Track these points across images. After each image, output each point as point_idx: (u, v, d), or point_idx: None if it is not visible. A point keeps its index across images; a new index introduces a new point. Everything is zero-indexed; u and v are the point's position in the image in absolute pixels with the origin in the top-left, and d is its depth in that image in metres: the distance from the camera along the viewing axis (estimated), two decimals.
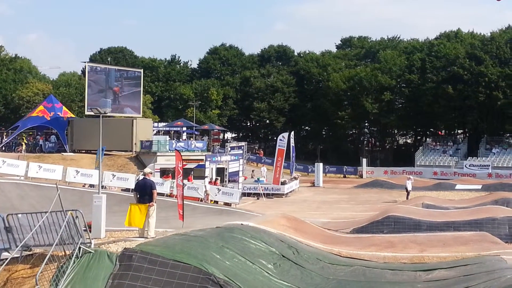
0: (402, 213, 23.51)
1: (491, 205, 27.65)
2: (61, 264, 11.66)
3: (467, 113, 66.48)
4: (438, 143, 68.16)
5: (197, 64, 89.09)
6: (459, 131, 76.81)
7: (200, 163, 41.82)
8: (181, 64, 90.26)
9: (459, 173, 57.50)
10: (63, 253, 12.17)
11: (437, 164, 61.76)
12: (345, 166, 64.12)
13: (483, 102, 64.17)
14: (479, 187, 45.49)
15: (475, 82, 64.01)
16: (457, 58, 66.41)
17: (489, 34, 70.97)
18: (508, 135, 67.11)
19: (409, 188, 39.21)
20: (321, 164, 54.51)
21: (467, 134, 73.53)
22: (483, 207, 26.50)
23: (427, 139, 74.62)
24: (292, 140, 52.70)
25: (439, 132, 76.53)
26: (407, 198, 38.15)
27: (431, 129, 77.04)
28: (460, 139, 70.82)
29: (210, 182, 37.07)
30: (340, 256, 16.13)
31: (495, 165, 58.14)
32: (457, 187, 46.62)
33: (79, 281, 11.34)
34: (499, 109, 64.65)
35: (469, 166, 58.84)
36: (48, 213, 12.20)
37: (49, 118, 51.82)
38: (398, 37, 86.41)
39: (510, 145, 63.06)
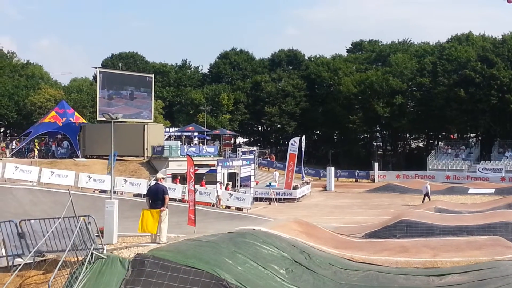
0: (415, 218, 23.37)
1: (504, 209, 27.43)
2: (73, 270, 11.68)
3: (479, 117, 66.13)
4: (450, 147, 67.86)
5: (208, 69, 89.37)
6: (471, 134, 76.41)
7: (212, 168, 41.85)
8: (192, 69, 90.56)
9: (472, 177, 57.13)
10: (76, 259, 12.20)
11: (449, 168, 61.53)
12: (357, 171, 63.99)
13: (496, 105, 63.83)
14: (492, 191, 45.26)
15: (487, 85, 63.67)
16: (468, 61, 66.11)
17: (500, 37, 70.66)
18: None
19: (426, 191, 39.40)
20: (332, 169, 54.43)
21: (480, 138, 73.18)
22: (497, 211, 26.31)
23: (439, 142, 74.33)
24: (303, 144, 52.58)
25: (451, 136, 76.11)
26: (423, 201, 38.19)
27: (443, 133, 76.68)
28: (473, 143, 70.52)
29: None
30: (353, 261, 16.06)
31: (508, 169, 57.83)
32: (470, 191, 46.38)
33: (91, 287, 11.36)
34: None
35: (482, 169, 58.50)
36: (60, 219, 12.24)
37: (61, 124, 52.03)
38: (409, 41, 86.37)
39: None
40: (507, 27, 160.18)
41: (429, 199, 38.60)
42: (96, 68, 62.26)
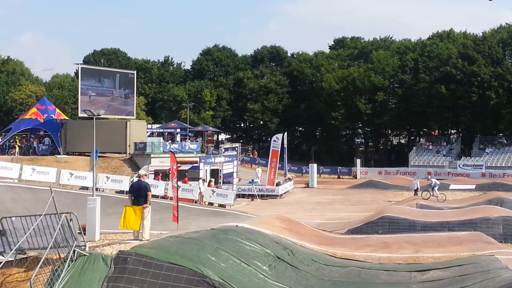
0: (397, 214, 23.54)
1: (485, 205, 27.72)
2: (55, 268, 11.61)
3: (460, 113, 66.70)
4: (431, 143, 68.33)
5: (190, 66, 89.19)
6: (452, 131, 77.01)
7: (194, 164, 41.75)
8: (174, 66, 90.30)
9: (452, 173, 57.63)
10: (58, 256, 12.13)
11: (430, 164, 61.93)
12: (339, 167, 64.18)
13: (476, 102, 64.37)
14: (473, 187, 45.64)
15: (468, 82, 64.18)
16: (449, 58, 66.60)
17: (481, 34, 71.23)
18: (501, 134, 67.32)
19: (416, 187, 39.88)
20: (315, 165, 54.56)
21: (460, 134, 73.76)
22: (477, 207, 26.57)
23: (421, 139, 74.84)
24: (285, 141, 52.67)
25: (433, 132, 76.73)
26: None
27: (424, 129, 77.28)
28: (454, 139, 71.02)
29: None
30: (335, 257, 16.13)
31: (488, 165, 58.33)
32: (451, 187, 46.70)
33: (74, 284, 11.30)
34: (492, 109, 64.88)
35: (463, 166, 58.99)
36: (42, 216, 12.15)
37: (42, 120, 51.65)
38: (391, 38, 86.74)
39: (503, 144, 63.25)
40: (488, 24, 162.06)
41: (415, 195, 38.90)
42: (77, 64, 61.91)
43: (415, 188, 40.30)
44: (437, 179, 38.14)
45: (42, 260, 11.43)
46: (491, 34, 69.40)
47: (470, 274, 13.19)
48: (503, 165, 58.21)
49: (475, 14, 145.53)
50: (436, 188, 36.23)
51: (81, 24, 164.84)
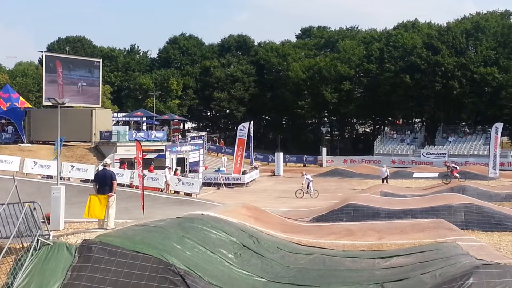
0: (361, 202, 23.76)
1: (447, 192, 28.16)
2: (18, 257, 11.49)
3: (424, 102, 67.69)
4: (396, 132, 69.16)
5: (157, 54, 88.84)
6: (416, 120, 77.99)
7: (160, 153, 41.60)
8: (141, 54, 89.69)
9: (416, 161, 58.37)
10: (21, 246, 12.00)
11: (395, 152, 62.63)
12: (305, 155, 64.55)
13: (440, 91, 65.27)
14: (436, 175, 46.28)
15: (432, 72, 65.00)
16: (414, 48, 67.33)
17: (445, 25, 72.11)
18: (463, 123, 68.52)
19: (386, 175, 40.29)
20: (281, 154, 54.81)
21: (424, 123, 74.73)
22: (440, 194, 26.96)
23: (385, 128, 75.66)
24: (251, 130, 52.76)
25: (397, 121, 77.60)
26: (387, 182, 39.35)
27: (389, 118, 78.11)
28: (418, 128, 71.98)
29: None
30: (300, 244, 16.24)
31: (451, 153, 59.19)
32: (415, 175, 47.37)
33: (37, 274, 11.19)
34: (455, 98, 65.82)
35: (426, 154, 59.82)
36: (5, 205, 12.02)
37: (5, 109, 50.85)
38: (357, 27, 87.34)
39: (465, 133, 64.30)
40: (452, 15, 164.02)
41: (387, 182, 39.36)
42: (42, 52, 60.92)
43: (385, 175, 40.70)
44: (310, 176, 37.54)
45: (4, 250, 11.30)
46: (455, 24, 70.29)
47: (432, 260, 13.38)
48: (465, 154, 59.12)
49: (440, 4, 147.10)
50: (310, 185, 36.31)
51: (46, 11, 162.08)
